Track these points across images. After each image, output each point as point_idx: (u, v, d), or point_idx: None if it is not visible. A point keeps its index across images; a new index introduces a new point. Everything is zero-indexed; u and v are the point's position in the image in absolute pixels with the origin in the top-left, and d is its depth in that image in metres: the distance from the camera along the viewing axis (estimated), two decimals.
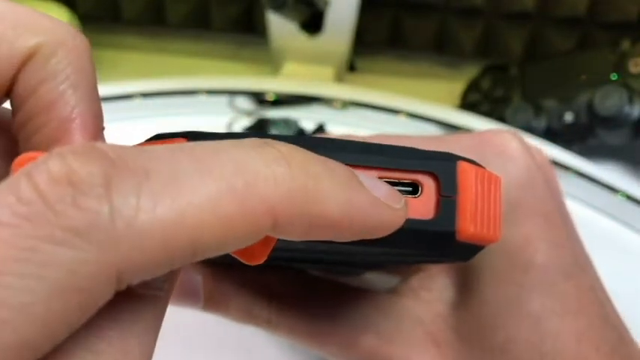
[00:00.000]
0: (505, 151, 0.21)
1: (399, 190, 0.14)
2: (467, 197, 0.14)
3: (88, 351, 0.11)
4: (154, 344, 0.12)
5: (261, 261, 0.13)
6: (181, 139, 0.14)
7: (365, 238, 0.13)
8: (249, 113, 0.41)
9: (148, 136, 0.15)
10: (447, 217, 0.14)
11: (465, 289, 0.21)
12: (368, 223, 0.13)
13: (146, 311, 0.12)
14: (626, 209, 0.35)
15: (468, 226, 0.14)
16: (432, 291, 0.21)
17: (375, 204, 0.13)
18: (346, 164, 0.14)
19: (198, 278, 0.22)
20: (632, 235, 0.34)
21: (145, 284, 0.12)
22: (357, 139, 0.15)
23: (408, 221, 0.14)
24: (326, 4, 0.43)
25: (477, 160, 0.16)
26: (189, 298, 0.22)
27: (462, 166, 0.15)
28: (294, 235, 0.12)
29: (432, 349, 0.20)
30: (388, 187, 0.14)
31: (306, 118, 0.40)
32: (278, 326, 0.22)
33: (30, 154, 0.12)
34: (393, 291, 0.22)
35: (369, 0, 0.46)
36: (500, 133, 0.21)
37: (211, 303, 0.22)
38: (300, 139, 0.15)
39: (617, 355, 0.19)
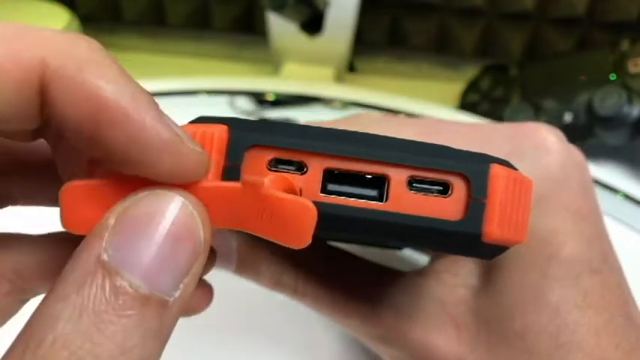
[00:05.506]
0: (543, 144, 0.21)
1: (430, 189, 0.15)
2: (496, 201, 0.15)
3: (88, 340, 0.11)
4: (159, 351, 0.12)
5: (306, 244, 0.13)
6: (223, 126, 0.15)
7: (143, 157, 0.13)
8: (249, 113, 0.41)
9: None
10: (474, 219, 0.14)
11: (488, 276, 0.21)
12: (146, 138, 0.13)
13: (151, 316, 0.12)
14: (625, 209, 0.35)
15: (495, 229, 0.15)
16: (456, 275, 0.22)
17: (160, 121, 0.13)
18: (379, 161, 0.14)
19: (233, 244, 0.23)
20: (633, 234, 0.34)
21: (153, 284, 0.12)
22: (395, 137, 0.15)
23: (436, 220, 0.14)
24: (326, 4, 0.43)
25: (514, 151, 0.15)
26: (223, 260, 0.23)
27: (494, 169, 0.15)
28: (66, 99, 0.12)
29: (451, 330, 0.21)
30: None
31: (306, 119, 0.40)
32: (304, 295, 0.22)
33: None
34: (417, 272, 0.23)
35: (369, 0, 0.46)
36: (540, 126, 0.22)
37: (243, 267, 0.23)
38: (340, 133, 0.15)
39: (637, 354, 0.19)
